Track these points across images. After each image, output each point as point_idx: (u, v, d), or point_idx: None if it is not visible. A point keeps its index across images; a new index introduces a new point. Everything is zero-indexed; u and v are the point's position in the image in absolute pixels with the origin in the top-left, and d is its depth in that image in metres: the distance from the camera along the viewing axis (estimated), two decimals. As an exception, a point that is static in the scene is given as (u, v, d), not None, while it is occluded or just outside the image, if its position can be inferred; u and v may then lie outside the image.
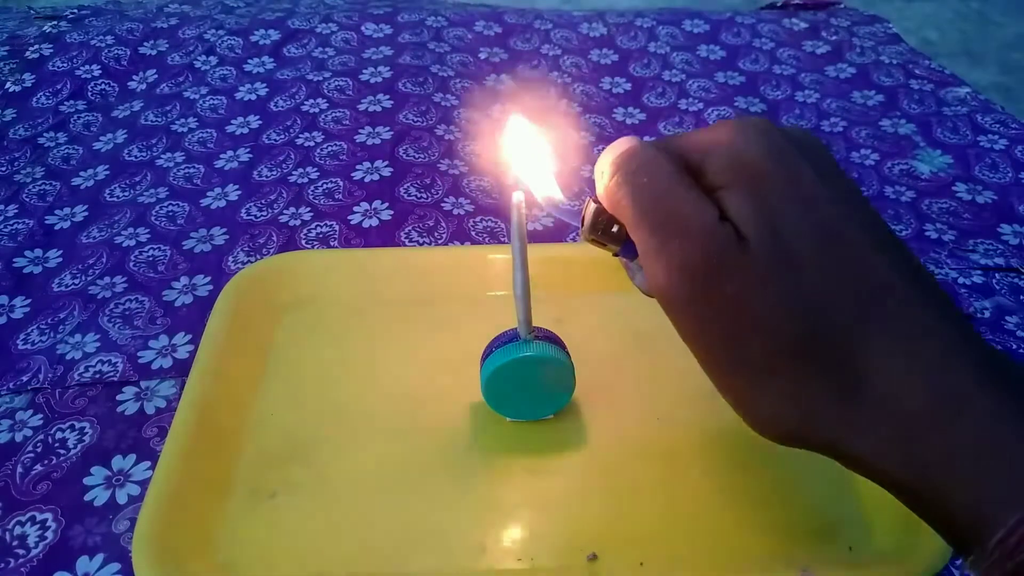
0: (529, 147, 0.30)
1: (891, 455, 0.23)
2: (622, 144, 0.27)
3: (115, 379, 0.39)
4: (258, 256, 0.46)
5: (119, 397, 0.38)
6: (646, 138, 0.27)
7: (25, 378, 0.39)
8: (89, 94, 0.62)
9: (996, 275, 0.47)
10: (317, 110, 0.59)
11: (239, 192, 0.51)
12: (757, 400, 0.24)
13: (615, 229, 0.27)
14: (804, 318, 0.23)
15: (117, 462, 0.35)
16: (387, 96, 0.60)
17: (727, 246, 0.23)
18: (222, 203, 0.51)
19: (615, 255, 0.28)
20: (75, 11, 0.71)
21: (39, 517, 0.33)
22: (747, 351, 0.24)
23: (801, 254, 0.23)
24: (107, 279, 0.45)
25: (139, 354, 0.40)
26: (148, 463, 0.35)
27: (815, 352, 0.23)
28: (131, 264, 0.46)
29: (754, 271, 0.23)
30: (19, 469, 0.35)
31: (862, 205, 0.25)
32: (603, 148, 0.27)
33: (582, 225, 0.28)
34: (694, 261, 0.24)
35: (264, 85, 0.62)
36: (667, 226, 0.24)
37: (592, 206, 0.27)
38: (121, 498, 0.34)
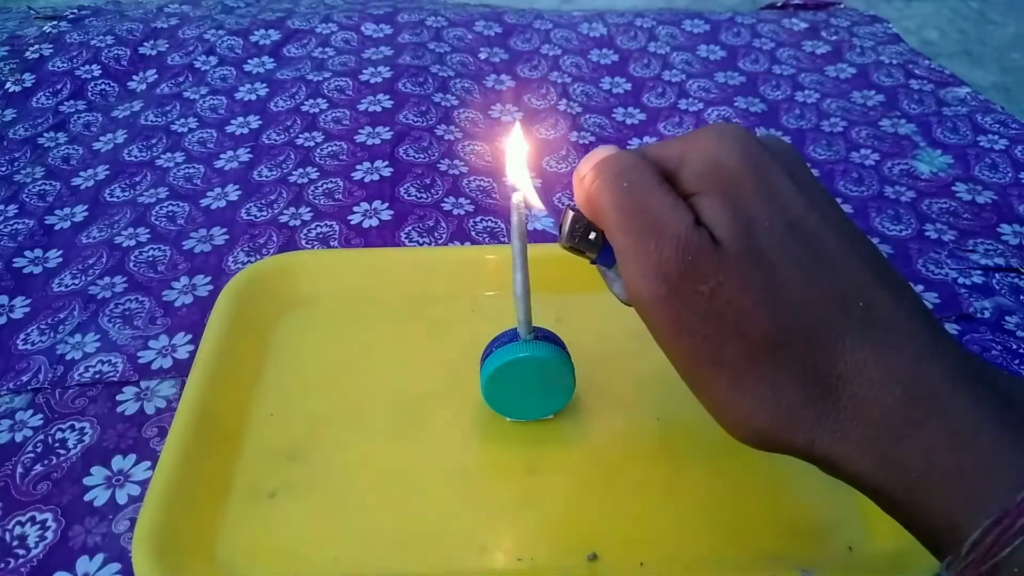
0: (518, 158, 0.31)
1: (866, 457, 0.23)
2: (602, 152, 0.27)
3: (115, 379, 0.39)
4: (258, 256, 0.46)
5: (119, 397, 0.38)
6: (646, 139, 0.27)
7: (25, 378, 0.39)
8: (89, 94, 0.62)
9: (996, 275, 0.47)
10: (317, 110, 0.59)
11: (239, 192, 0.51)
12: (732, 403, 0.25)
13: (592, 236, 0.28)
14: (778, 320, 0.23)
15: (117, 462, 0.35)
16: (387, 96, 0.60)
17: (701, 249, 0.24)
18: (222, 203, 0.51)
19: (592, 262, 0.29)
20: (75, 11, 0.71)
21: (39, 517, 0.33)
22: (722, 353, 0.24)
23: (775, 257, 0.24)
24: (107, 279, 0.45)
25: (139, 354, 0.40)
26: (148, 463, 0.35)
27: (789, 354, 0.24)
28: (131, 264, 0.46)
29: (728, 274, 0.24)
30: (19, 469, 0.35)
31: (835, 210, 0.26)
32: None
33: (560, 233, 0.28)
34: (669, 264, 0.24)
35: (264, 85, 0.62)
36: (644, 229, 0.25)
37: (570, 213, 0.28)
38: (121, 498, 0.34)
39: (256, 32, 0.68)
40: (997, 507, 0.21)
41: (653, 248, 0.24)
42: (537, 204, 0.31)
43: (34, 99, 0.61)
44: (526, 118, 0.60)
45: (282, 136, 0.57)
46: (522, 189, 0.30)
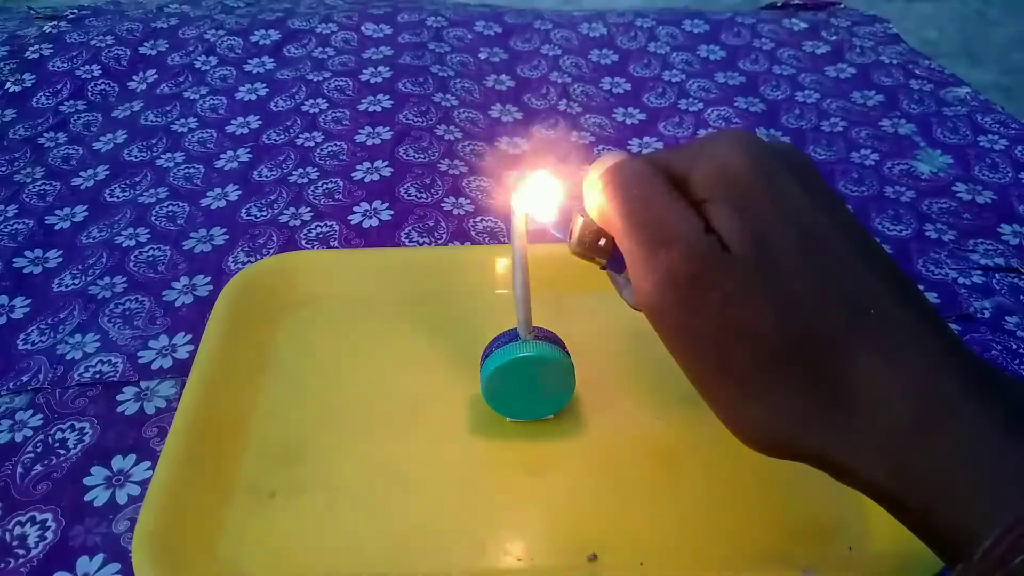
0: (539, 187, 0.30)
1: (878, 465, 0.23)
2: (611, 158, 0.27)
3: (115, 379, 0.39)
4: (258, 256, 0.46)
5: (119, 397, 0.38)
6: (645, 139, 0.27)
7: (25, 378, 0.39)
8: (89, 94, 0.62)
9: (996, 275, 0.47)
10: (317, 110, 0.59)
11: (239, 192, 0.51)
12: (743, 411, 0.24)
13: (602, 242, 0.28)
14: (789, 327, 0.23)
15: (117, 462, 0.35)
16: (387, 96, 0.60)
17: (711, 257, 0.24)
18: (222, 203, 0.51)
19: (602, 268, 0.29)
20: (75, 11, 0.71)
21: (39, 517, 0.33)
22: (733, 361, 0.24)
23: (786, 264, 0.24)
24: (107, 279, 0.45)
25: (139, 354, 0.40)
26: (148, 463, 0.35)
27: (801, 361, 0.23)
28: (131, 264, 0.46)
29: (739, 281, 0.23)
30: (19, 469, 0.35)
31: (846, 217, 0.25)
32: (603, 148, 0.27)
33: (570, 239, 0.28)
34: (679, 271, 0.24)
35: (264, 85, 0.62)
36: (654, 236, 0.25)
37: (580, 220, 0.28)
38: (121, 498, 0.34)
39: (256, 32, 0.68)
40: (1010, 515, 0.20)
41: (663, 255, 0.24)
42: (556, 233, 0.30)
43: (34, 99, 0.61)
44: (526, 118, 0.60)
45: (282, 136, 0.57)
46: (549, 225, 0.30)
